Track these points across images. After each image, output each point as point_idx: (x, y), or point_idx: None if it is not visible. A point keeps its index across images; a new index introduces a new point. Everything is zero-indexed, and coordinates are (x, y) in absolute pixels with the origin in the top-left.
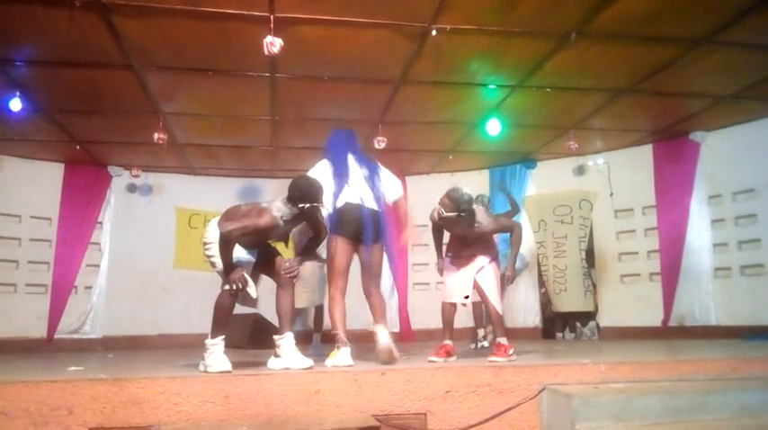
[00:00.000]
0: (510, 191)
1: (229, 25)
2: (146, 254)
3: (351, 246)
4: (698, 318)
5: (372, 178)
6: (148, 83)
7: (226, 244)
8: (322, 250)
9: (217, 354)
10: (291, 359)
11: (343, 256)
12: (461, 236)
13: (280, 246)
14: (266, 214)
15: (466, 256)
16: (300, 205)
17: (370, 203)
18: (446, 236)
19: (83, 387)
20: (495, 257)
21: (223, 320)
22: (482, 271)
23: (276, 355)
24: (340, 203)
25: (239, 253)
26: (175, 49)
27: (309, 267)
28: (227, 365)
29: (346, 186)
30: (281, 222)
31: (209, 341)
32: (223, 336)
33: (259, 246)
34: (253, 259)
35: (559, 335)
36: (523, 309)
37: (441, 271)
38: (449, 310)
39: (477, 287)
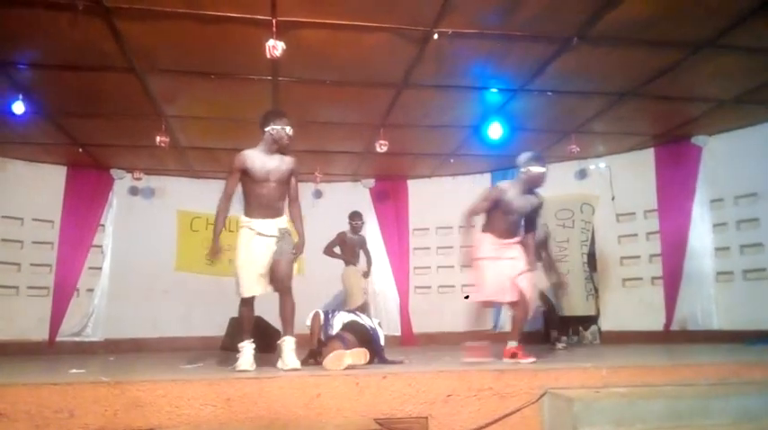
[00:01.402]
0: None
1: (232, 29)
2: (147, 256)
3: None
4: (700, 322)
5: None
6: (151, 86)
7: (217, 214)
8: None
9: (245, 356)
10: (288, 360)
11: None
12: (512, 218)
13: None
14: (236, 156)
15: (506, 257)
16: (265, 129)
17: None
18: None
19: (84, 389)
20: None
21: (245, 326)
22: (523, 275)
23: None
24: None
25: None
26: (178, 52)
27: (351, 272)
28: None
29: None
30: (254, 156)
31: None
32: (250, 340)
33: (263, 209)
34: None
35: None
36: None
37: (471, 260)
38: (479, 312)
39: (519, 290)
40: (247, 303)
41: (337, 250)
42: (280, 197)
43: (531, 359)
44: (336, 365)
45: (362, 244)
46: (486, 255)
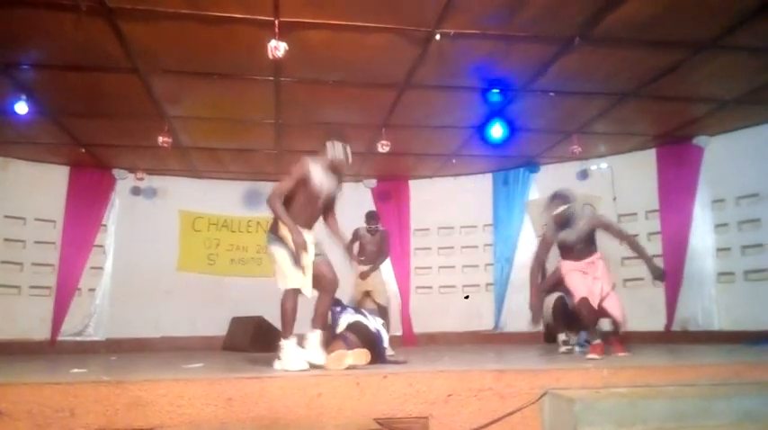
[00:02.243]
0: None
1: (234, 29)
2: (150, 256)
3: None
4: (701, 322)
5: None
6: (153, 86)
7: (273, 198)
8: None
9: (293, 354)
10: (313, 353)
11: None
12: (573, 244)
13: None
14: (297, 164)
15: (590, 274)
16: (327, 142)
17: None
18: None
19: (85, 389)
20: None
21: (288, 320)
22: (609, 299)
23: (302, 347)
24: None
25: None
26: (180, 53)
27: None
28: (303, 364)
29: None
30: (314, 169)
31: (282, 341)
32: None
33: (303, 220)
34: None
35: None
36: (527, 312)
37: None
38: (590, 308)
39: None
40: (295, 299)
41: (356, 248)
42: (318, 217)
43: (627, 353)
44: (337, 365)
45: (380, 242)
46: (571, 268)
